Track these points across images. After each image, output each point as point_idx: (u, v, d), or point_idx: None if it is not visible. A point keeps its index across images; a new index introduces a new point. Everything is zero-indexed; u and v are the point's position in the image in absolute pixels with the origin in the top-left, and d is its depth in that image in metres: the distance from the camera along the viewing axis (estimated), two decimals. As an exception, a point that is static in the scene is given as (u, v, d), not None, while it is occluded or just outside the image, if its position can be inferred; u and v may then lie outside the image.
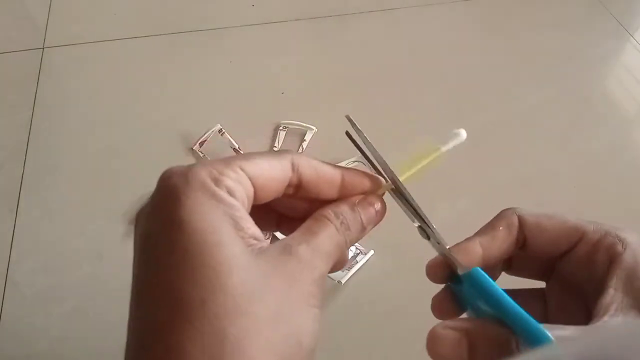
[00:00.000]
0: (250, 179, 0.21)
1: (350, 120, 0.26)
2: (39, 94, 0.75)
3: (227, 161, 0.21)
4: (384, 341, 0.54)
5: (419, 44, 0.85)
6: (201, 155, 0.68)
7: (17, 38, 0.84)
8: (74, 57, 0.81)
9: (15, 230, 0.60)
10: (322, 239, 0.22)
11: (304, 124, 0.71)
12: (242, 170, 0.21)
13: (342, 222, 0.23)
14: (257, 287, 0.18)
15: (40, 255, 0.59)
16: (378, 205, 0.26)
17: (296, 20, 0.88)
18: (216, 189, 0.19)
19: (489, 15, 0.91)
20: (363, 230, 0.25)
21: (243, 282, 0.18)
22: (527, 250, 0.27)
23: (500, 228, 0.27)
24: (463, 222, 0.63)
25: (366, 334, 0.54)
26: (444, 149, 0.25)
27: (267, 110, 0.73)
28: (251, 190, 0.21)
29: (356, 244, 0.58)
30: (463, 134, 0.25)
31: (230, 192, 0.20)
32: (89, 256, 0.59)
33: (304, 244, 0.21)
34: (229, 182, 0.20)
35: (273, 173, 0.22)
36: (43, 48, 0.82)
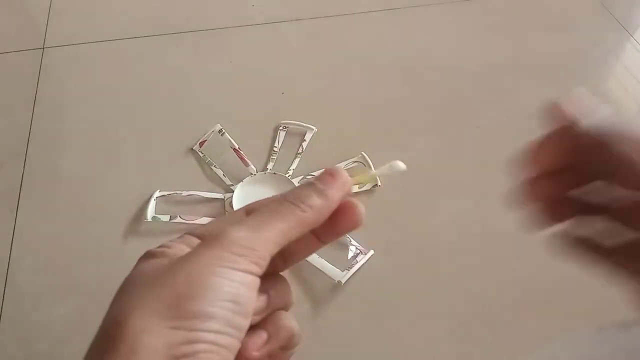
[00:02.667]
0: None
1: None
2: (39, 94, 0.75)
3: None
4: (384, 340, 0.54)
5: (419, 44, 0.85)
6: (201, 155, 0.68)
7: (17, 38, 0.84)
8: (74, 57, 0.81)
9: (15, 230, 0.60)
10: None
11: (304, 124, 0.71)
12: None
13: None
14: None
15: (40, 255, 0.59)
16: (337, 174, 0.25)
17: (296, 20, 0.88)
18: None
19: (490, 16, 0.91)
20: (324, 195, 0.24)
21: None
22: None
23: None
24: (463, 221, 0.63)
25: (366, 333, 0.54)
26: (375, 172, 0.27)
27: (267, 110, 0.73)
28: None
29: (356, 244, 0.58)
30: (399, 166, 0.27)
31: None
32: (89, 256, 0.59)
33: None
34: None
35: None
36: (43, 48, 0.82)
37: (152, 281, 0.21)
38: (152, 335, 0.19)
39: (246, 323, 0.21)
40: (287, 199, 0.24)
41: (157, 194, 0.62)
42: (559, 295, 0.57)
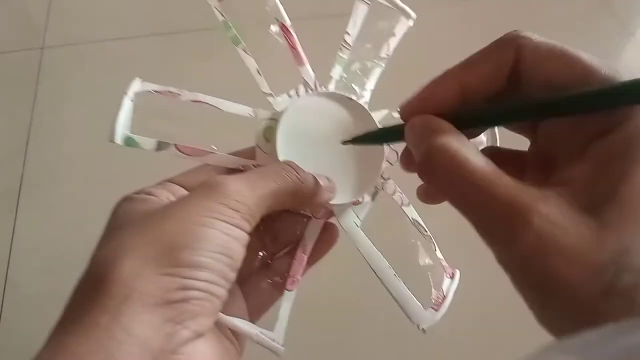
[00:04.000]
0: None
1: None
2: (39, 94, 0.75)
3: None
4: (385, 341, 0.54)
5: (418, 44, 0.85)
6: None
7: (17, 38, 0.84)
8: (74, 57, 0.81)
9: (15, 230, 0.60)
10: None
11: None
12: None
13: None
14: None
15: (40, 255, 0.59)
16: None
17: (296, 20, 0.88)
18: None
19: (489, 15, 0.91)
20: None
21: None
22: (520, 91, 0.21)
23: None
24: (464, 221, 0.63)
25: (366, 333, 0.54)
26: None
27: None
28: None
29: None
30: None
31: None
32: (88, 256, 0.59)
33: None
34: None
35: None
36: (43, 48, 0.82)
37: (143, 225, 0.21)
38: (145, 280, 0.19)
39: (234, 276, 0.21)
40: (290, 164, 0.25)
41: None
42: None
